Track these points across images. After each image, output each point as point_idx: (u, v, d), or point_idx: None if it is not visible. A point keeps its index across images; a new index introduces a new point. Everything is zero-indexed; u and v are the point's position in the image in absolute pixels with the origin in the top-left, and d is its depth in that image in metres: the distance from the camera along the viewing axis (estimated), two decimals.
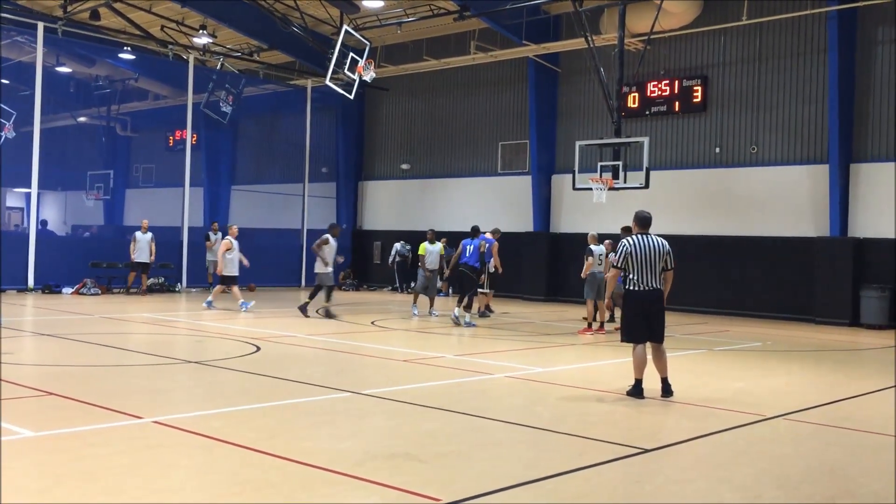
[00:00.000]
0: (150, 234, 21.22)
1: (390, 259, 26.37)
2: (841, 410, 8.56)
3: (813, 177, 19.82)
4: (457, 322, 15.65)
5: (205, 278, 22.90)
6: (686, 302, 19.86)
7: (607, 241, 16.50)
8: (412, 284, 25.80)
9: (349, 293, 25.14)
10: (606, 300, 15.53)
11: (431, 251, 17.69)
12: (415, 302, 17.93)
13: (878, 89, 19.10)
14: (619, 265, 8.81)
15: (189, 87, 24.29)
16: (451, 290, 22.46)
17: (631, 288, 8.74)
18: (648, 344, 8.74)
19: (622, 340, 8.98)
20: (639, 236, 8.77)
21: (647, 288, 8.63)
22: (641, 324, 8.68)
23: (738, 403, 8.58)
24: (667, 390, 8.67)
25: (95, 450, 5.91)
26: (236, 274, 17.64)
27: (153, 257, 21.34)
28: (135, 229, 21.87)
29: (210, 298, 17.90)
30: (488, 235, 17.04)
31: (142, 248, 21.10)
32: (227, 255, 17.45)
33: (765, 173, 20.59)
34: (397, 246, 26.27)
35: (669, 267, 8.74)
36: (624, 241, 8.83)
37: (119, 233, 28.31)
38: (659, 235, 8.85)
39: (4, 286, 20.13)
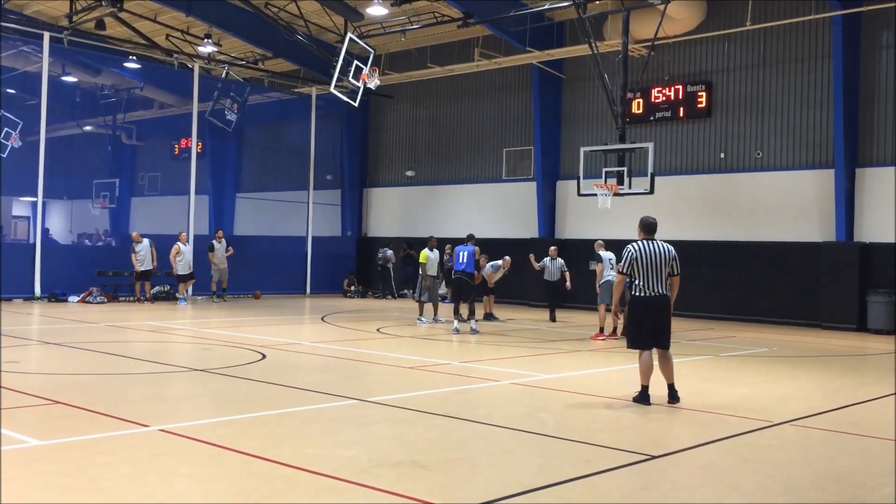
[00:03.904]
0: (147, 241, 21.26)
1: (379, 266, 26.27)
2: (848, 416, 8.52)
3: (818, 181, 19.78)
4: (457, 331, 15.63)
5: (208, 286, 22.84)
6: (692, 307, 19.80)
7: (552, 248, 16.97)
8: (405, 292, 25.80)
9: (354, 300, 25.13)
10: (613, 306, 15.46)
11: (431, 258, 17.65)
12: (421, 312, 17.85)
13: (882, 93, 19.06)
14: (624, 271, 8.80)
15: (194, 95, 24.33)
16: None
17: (636, 294, 8.72)
18: (655, 350, 8.72)
19: (628, 346, 8.98)
20: (644, 242, 8.75)
21: (652, 294, 8.61)
22: (647, 330, 8.66)
23: (745, 409, 8.56)
24: (673, 396, 8.64)
25: (100, 458, 5.92)
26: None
27: (155, 264, 21.38)
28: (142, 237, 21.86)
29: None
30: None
31: (142, 256, 21.16)
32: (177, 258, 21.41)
33: (770, 178, 20.54)
34: (380, 253, 26.27)
35: (675, 273, 8.72)
36: (629, 246, 8.81)
37: (125, 241, 28.42)
38: (664, 241, 8.83)
39: (11, 295, 20.20)
